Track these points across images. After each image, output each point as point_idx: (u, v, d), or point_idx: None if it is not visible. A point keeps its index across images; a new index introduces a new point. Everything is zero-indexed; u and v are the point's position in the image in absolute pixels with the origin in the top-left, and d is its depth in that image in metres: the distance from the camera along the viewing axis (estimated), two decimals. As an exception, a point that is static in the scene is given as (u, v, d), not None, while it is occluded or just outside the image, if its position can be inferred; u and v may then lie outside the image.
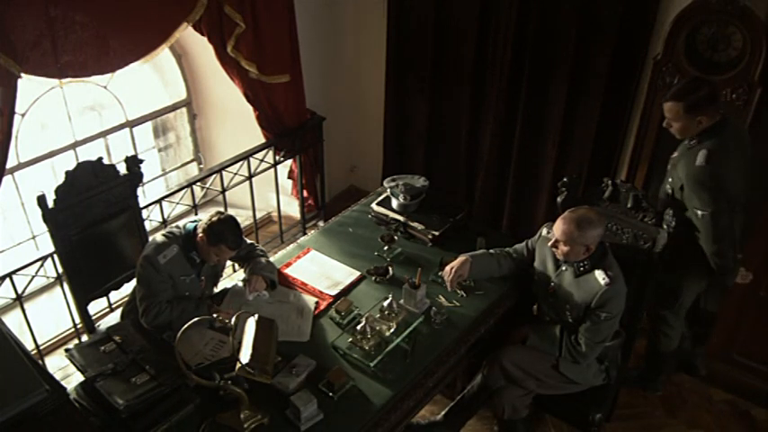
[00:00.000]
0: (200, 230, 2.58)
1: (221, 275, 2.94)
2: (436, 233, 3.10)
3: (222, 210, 2.66)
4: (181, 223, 2.68)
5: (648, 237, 2.73)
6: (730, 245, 2.78)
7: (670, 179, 2.91)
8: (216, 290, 2.88)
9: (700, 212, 2.73)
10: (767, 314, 3.12)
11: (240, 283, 2.82)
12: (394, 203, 3.25)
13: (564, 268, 2.65)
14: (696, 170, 2.68)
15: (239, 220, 2.72)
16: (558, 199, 2.90)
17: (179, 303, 2.61)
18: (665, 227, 2.68)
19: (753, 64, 2.91)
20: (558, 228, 2.54)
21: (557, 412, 2.98)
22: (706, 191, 2.69)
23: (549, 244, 2.62)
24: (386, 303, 2.63)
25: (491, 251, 2.88)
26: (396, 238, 3.07)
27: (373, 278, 2.89)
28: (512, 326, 2.88)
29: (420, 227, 3.14)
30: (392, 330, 2.57)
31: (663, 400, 3.38)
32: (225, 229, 2.55)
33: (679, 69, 3.09)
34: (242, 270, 2.91)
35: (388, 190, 3.27)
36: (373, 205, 3.32)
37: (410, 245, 3.12)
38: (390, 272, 2.89)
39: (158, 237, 2.64)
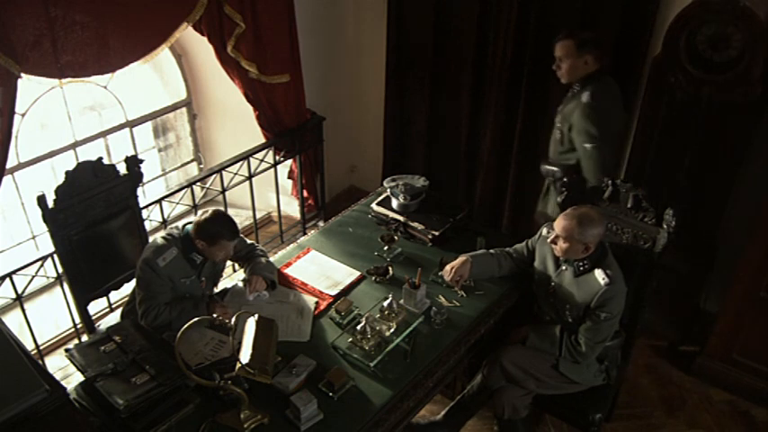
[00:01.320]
0: (193, 235, 2.58)
1: (221, 275, 2.94)
2: (436, 233, 3.10)
3: (208, 209, 2.64)
4: (180, 224, 2.68)
5: (648, 237, 2.74)
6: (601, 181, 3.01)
7: (558, 124, 3.24)
8: (216, 290, 2.88)
9: (588, 145, 3.06)
10: (767, 314, 3.12)
11: (240, 284, 2.83)
12: (394, 203, 3.25)
13: (564, 268, 2.66)
14: (582, 107, 3.03)
15: (239, 220, 2.73)
16: (558, 199, 2.91)
17: (178, 303, 2.61)
18: (664, 227, 2.68)
19: (753, 64, 2.91)
20: (559, 223, 2.54)
21: (557, 412, 2.98)
22: (593, 124, 3.02)
23: (549, 240, 2.62)
24: (386, 303, 2.63)
25: (491, 251, 2.88)
26: (396, 238, 3.07)
27: (373, 278, 2.89)
28: (512, 326, 2.88)
29: (420, 227, 3.14)
30: (392, 330, 2.57)
31: (663, 400, 3.39)
32: (217, 225, 2.56)
33: (679, 69, 3.09)
34: (242, 270, 2.91)
35: (388, 190, 3.27)
36: (373, 205, 3.32)
37: (410, 245, 3.12)
38: (390, 272, 2.89)
39: (158, 239, 2.64)
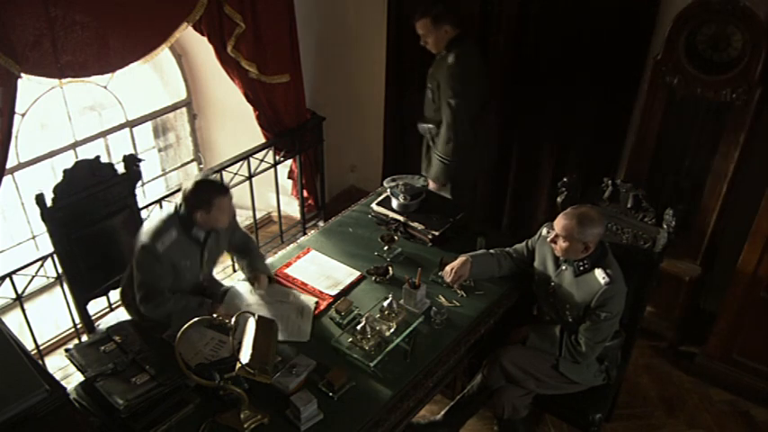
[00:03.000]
0: (188, 211, 2.49)
1: (222, 253, 2.86)
2: (436, 233, 3.10)
3: (188, 181, 2.53)
4: (178, 200, 2.58)
5: (648, 237, 2.74)
6: (465, 133, 3.46)
7: (429, 85, 3.56)
8: (215, 275, 2.83)
9: (453, 101, 3.38)
10: (767, 314, 3.12)
11: (240, 285, 2.83)
12: (394, 203, 3.25)
13: (564, 268, 2.65)
14: (448, 66, 3.36)
15: (240, 220, 2.72)
16: (558, 199, 2.91)
17: (183, 297, 2.57)
18: (664, 227, 2.68)
19: (753, 64, 2.91)
20: (560, 222, 2.54)
21: (557, 412, 2.98)
22: (457, 82, 3.35)
23: (549, 239, 2.62)
24: (386, 303, 2.62)
25: (491, 251, 2.88)
26: (396, 238, 3.07)
27: (373, 278, 2.89)
28: (512, 326, 2.88)
29: (420, 227, 3.14)
30: (392, 330, 2.56)
31: (663, 400, 3.38)
32: (204, 190, 2.48)
33: (679, 69, 3.09)
34: (240, 269, 2.89)
35: (388, 190, 3.27)
36: (373, 205, 3.32)
37: (410, 245, 3.12)
38: (390, 272, 2.89)
39: (154, 220, 2.55)
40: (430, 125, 3.63)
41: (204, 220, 2.53)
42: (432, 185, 3.63)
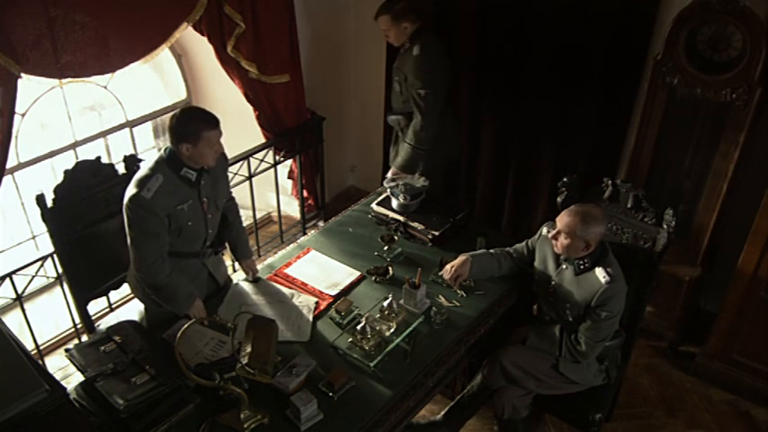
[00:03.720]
0: (175, 144, 2.37)
1: (223, 197, 2.70)
2: (436, 233, 3.10)
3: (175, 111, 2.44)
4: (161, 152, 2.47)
5: (648, 237, 2.74)
6: (433, 122, 3.54)
7: (396, 78, 3.66)
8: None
9: (422, 92, 3.47)
10: (767, 314, 3.12)
11: (241, 284, 2.83)
12: (394, 203, 3.25)
13: (564, 267, 2.65)
14: (414, 59, 3.47)
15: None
16: (558, 199, 2.91)
17: (178, 279, 2.52)
18: (664, 227, 2.68)
19: (753, 64, 2.91)
20: (563, 219, 2.54)
21: (557, 412, 2.98)
22: (425, 72, 3.45)
23: (550, 236, 2.62)
24: (386, 303, 2.63)
25: (491, 251, 2.88)
26: (396, 238, 3.07)
27: (373, 278, 2.89)
28: (512, 326, 2.88)
29: (420, 227, 3.14)
30: (392, 330, 2.57)
31: (663, 400, 3.39)
32: (192, 119, 2.36)
33: (679, 69, 3.09)
34: (230, 253, 2.91)
35: (388, 190, 3.27)
36: (373, 205, 3.32)
37: (410, 245, 3.12)
38: (390, 272, 2.89)
39: (139, 171, 2.43)
40: (399, 116, 3.72)
41: (191, 155, 2.38)
42: (390, 174, 3.69)
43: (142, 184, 2.36)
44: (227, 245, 2.87)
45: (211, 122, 2.39)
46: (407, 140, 3.63)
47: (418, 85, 3.47)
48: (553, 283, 2.70)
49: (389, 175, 3.65)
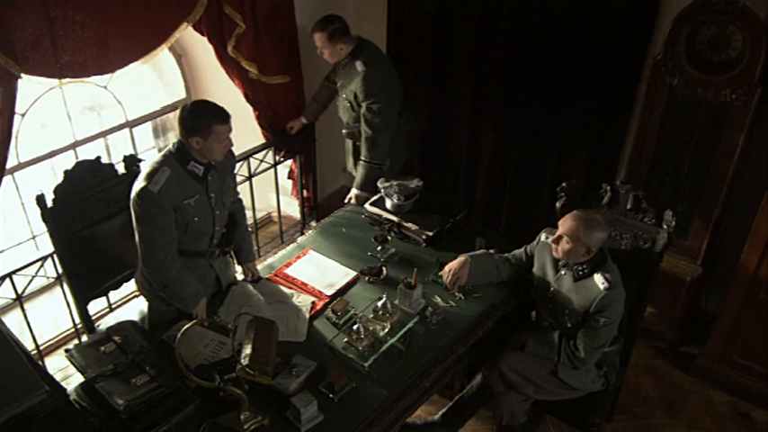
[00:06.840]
0: (185, 137, 2.38)
1: (231, 195, 2.72)
2: (430, 234, 3.09)
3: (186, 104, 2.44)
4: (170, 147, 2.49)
5: (648, 237, 2.73)
6: (385, 136, 3.49)
7: (343, 95, 3.59)
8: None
9: (375, 105, 3.40)
10: (767, 315, 3.12)
11: (241, 285, 2.83)
12: (388, 204, 3.25)
13: (563, 273, 2.65)
14: (361, 75, 3.40)
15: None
16: (558, 204, 2.90)
17: (187, 277, 2.53)
18: (664, 227, 2.68)
19: (753, 64, 2.91)
20: (566, 223, 2.53)
21: (555, 415, 2.98)
22: (375, 85, 3.39)
23: (551, 240, 2.61)
24: (379, 304, 2.62)
25: (491, 251, 2.87)
26: (389, 238, 3.07)
27: (367, 278, 2.88)
28: (511, 332, 2.87)
29: (414, 227, 3.13)
30: (386, 330, 2.56)
31: (663, 400, 3.38)
32: (203, 113, 2.36)
33: (679, 70, 3.09)
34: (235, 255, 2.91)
35: (382, 190, 3.26)
36: (367, 205, 3.32)
37: (404, 245, 3.12)
38: (384, 272, 2.89)
39: (147, 165, 2.44)
40: (354, 128, 3.67)
41: (200, 148, 2.39)
42: (354, 199, 3.61)
43: (150, 177, 2.37)
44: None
45: (222, 117, 2.40)
46: (363, 158, 3.59)
47: (370, 100, 3.41)
48: (552, 289, 2.69)
49: (350, 200, 3.61)
